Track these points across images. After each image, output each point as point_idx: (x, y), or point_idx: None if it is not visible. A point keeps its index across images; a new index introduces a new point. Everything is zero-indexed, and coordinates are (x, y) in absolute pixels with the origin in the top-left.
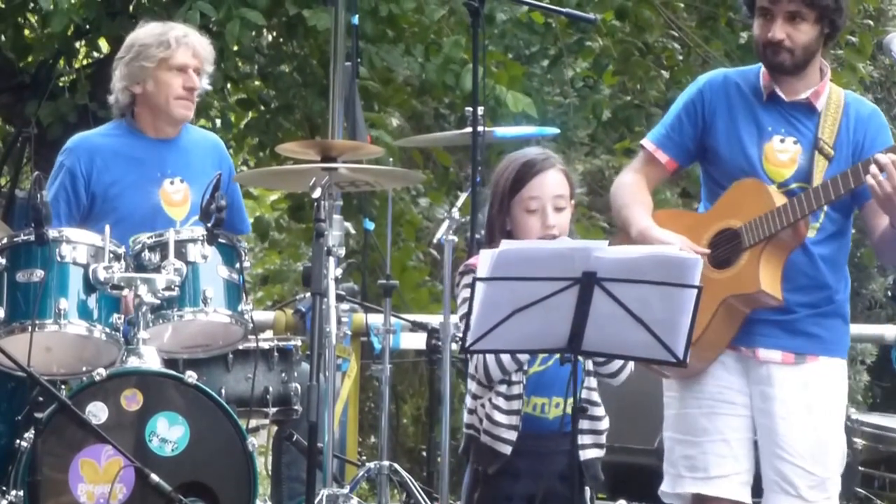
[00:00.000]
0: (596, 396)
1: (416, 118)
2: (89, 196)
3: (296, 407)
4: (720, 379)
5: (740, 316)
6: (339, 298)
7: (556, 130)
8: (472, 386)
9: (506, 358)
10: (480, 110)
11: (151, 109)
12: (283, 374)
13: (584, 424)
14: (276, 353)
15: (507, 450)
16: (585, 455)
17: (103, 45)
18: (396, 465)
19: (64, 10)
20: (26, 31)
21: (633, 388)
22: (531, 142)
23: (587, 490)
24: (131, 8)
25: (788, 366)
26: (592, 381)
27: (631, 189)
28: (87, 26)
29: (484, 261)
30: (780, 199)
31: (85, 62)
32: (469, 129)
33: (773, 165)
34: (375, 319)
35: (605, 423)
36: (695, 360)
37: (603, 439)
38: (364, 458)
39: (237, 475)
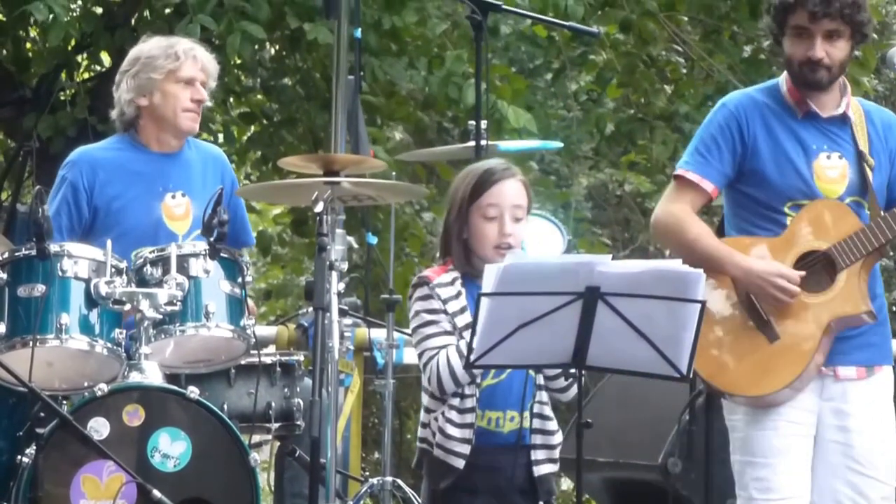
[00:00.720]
0: (548, 410)
1: (419, 132)
2: (91, 210)
3: (298, 422)
4: (794, 399)
5: (832, 338)
6: (342, 313)
7: (559, 144)
8: (425, 399)
9: (459, 370)
10: (483, 124)
11: (157, 122)
12: (286, 390)
13: (536, 439)
14: (278, 368)
15: (460, 463)
16: (539, 470)
17: (105, 58)
18: (399, 481)
19: (62, 23)
20: (28, 45)
21: (638, 405)
22: (535, 155)
23: None
24: (133, 21)
25: (861, 380)
26: (544, 395)
27: (690, 221)
28: (88, 39)
29: (489, 276)
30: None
31: (86, 76)
32: (472, 143)
33: (825, 183)
34: (378, 334)
35: (557, 438)
36: (792, 391)
37: (556, 454)
38: (367, 473)
39: (239, 491)
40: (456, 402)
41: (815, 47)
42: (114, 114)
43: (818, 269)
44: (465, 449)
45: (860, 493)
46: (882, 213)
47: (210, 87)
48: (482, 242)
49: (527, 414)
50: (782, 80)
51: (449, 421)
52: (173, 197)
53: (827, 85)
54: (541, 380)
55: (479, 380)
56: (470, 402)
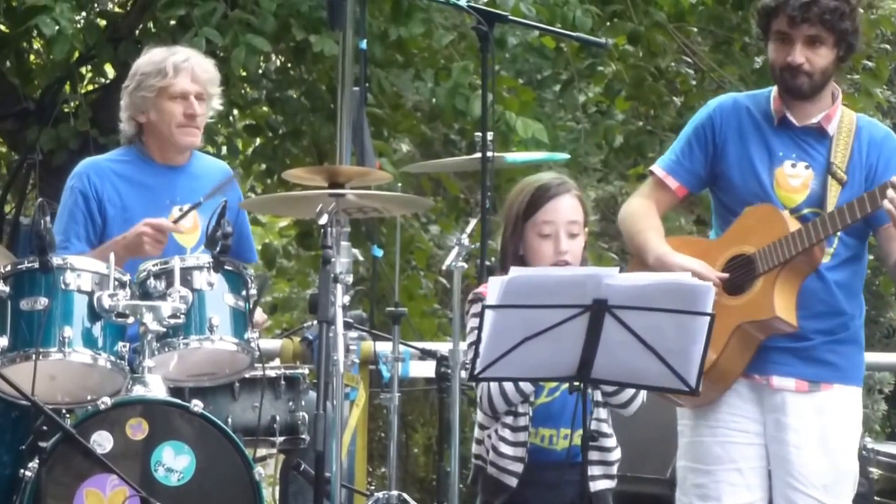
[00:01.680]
0: (606, 427)
1: (425, 144)
2: (102, 218)
3: (303, 436)
4: (734, 407)
5: (754, 343)
6: (347, 326)
7: (566, 156)
8: (479, 416)
9: (510, 389)
10: (490, 136)
11: (157, 138)
12: (291, 403)
13: (593, 455)
14: (283, 382)
15: (513, 482)
16: (595, 486)
17: (108, 70)
18: (405, 495)
19: (68, 36)
20: (31, 57)
21: (646, 418)
22: (543, 167)
23: None
24: (137, 33)
25: (802, 394)
26: (602, 412)
27: (642, 215)
28: (91, 52)
29: (493, 288)
30: (793, 225)
31: (89, 88)
32: (479, 155)
33: (785, 191)
34: (384, 347)
35: (615, 454)
36: (708, 389)
37: (614, 470)
38: (373, 487)
39: None
40: (509, 420)
41: (795, 52)
42: (121, 127)
43: (749, 273)
44: (518, 467)
45: None
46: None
47: (211, 94)
48: (538, 259)
49: (581, 431)
50: (774, 87)
51: (502, 439)
52: (180, 210)
53: (809, 92)
54: (598, 396)
55: (532, 398)
56: (523, 421)
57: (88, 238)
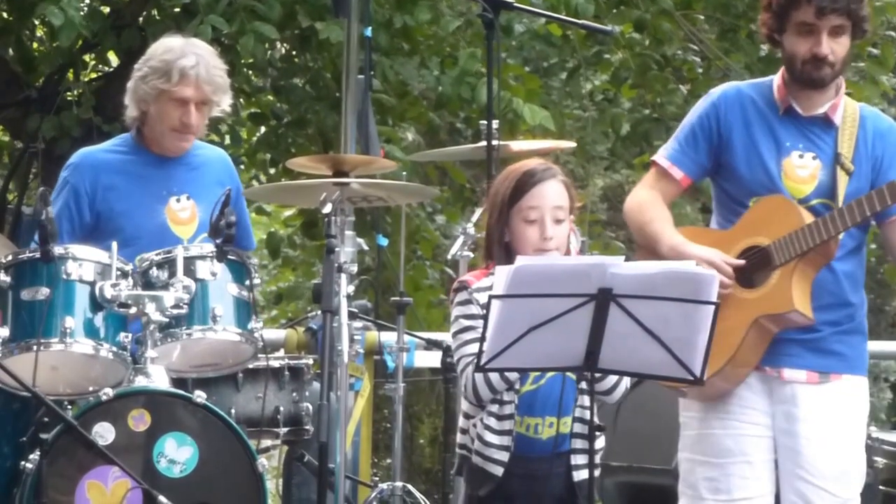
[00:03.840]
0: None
1: (431, 133)
2: (93, 214)
3: (307, 427)
4: (744, 399)
5: (769, 336)
6: (352, 316)
7: (572, 144)
8: (464, 405)
9: (494, 377)
10: (495, 124)
11: (153, 132)
12: (295, 394)
13: (577, 444)
14: (286, 372)
15: (499, 471)
16: (579, 475)
17: (112, 58)
18: (410, 487)
19: (75, 24)
20: (34, 45)
21: (651, 408)
22: (549, 156)
23: None
24: (141, 21)
25: (813, 385)
26: (586, 400)
27: (651, 205)
28: (94, 39)
29: (500, 278)
30: (808, 217)
31: (92, 76)
32: (484, 143)
33: (793, 181)
34: (389, 337)
35: (600, 443)
36: (723, 382)
37: (597, 458)
38: (378, 479)
39: (247, 497)
40: (494, 408)
41: (822, 44)
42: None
43: (763, 265)
44: (504, 456)
45: (807, 501)
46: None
47: (216, 102)
48: (523, 245)
49: (567, 420)
50: (777, 76)
51: (487, 428)
52: (178, 201)
53: (829, 82)
54: (583, 384)
55: (517, 386)
56: (508, 409)
57: (73, 233)
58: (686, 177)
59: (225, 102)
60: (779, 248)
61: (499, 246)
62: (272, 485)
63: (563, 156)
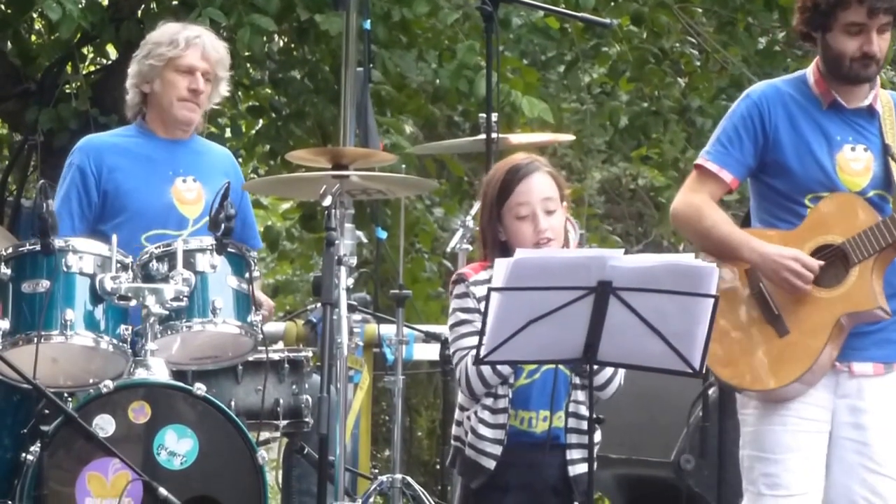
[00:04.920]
0: (584, 409)
1: (429, 126)
2: (100, 194)
3: (307, 419)
4: (806, 395)
5: (845, 333)
6: (351, 309)
7: (571, 137)
8: (459, 397)
9: (487, 372)
10: (494, 117)
11: (158, 111)
12: (294, 386)
13: (573, 438)
14: (286, 365)
15: (492, 464)
16: (575, 470)
17: (111, 51)
18: (409, 479)
19: (74, 17)
20: (33, 37)
21: (651, 402)
22: (547, 149)
23: None
24: (139, 13)
25: (878, 377)
26: (581, 395)
27: (709, 209)
28: (93, 32)
29: (499, 271)
30: (877, 213)
31: (91, 68)
32: (483, 136)
33: (849, 175)
34: (388, 330)
35: (596, 437)
36: (803, 385)
37: (594, 452)
38: (377, 471)
39: (247, 489)
40: (489, 401)
41: (873, 43)
42: (126, 97)
43: (833, 263)
44: (497, 449)
45: (876, 493)
46: None
47: (220, 76)
48: (520, 242)
49: (560, 414)
50: (809, 71)
51: (481, 421)
52: (184, 181)
53: (874, 78)
54: (577, 379)
55: (511, 380)
56: (502, 403)
57: (83, 215)
58: (735, 179)
59: (223, 86)
60: (855, 246)
61: (495, 245)
62: (272, 477)
63: (560, 148)
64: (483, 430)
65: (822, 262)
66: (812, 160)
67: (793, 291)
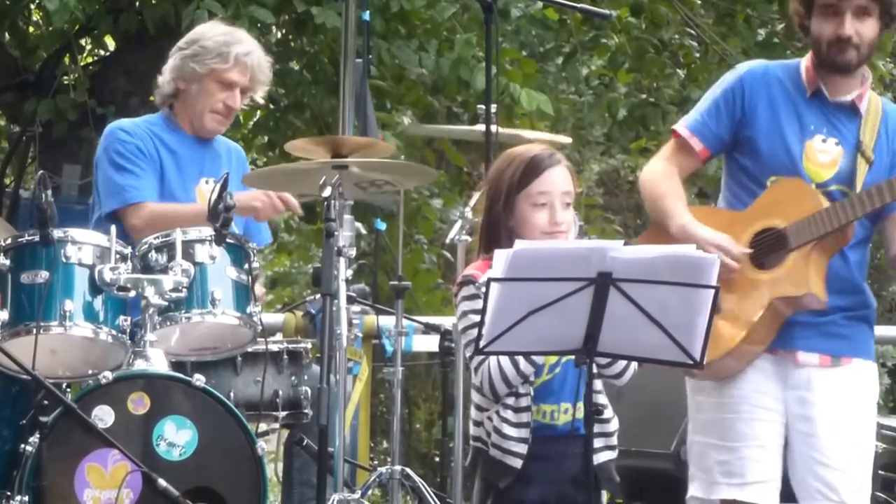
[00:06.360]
0: (602, 398)
1: (428, 117)
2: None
3: (306, 411)
4: (758, 384)
5: (781, 318)
6: (350, 300)
7: (568, 140)
8: (476, 398)
9: (510, 372)
10: (493, 108)
11: (188, 111)
12: (293, 378)
13: (594, 427)
14: (285, 356)
15: (518, 463)
16: (598, 458)
17: (109, 42)
18: (408, 470)
19: (68, 6)
20: (31, 29)
21: (651, 393)
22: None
23: (603, 494)
24: (137, 4)
25: (825, 369)
26: (597, 383)
27: (666, 179)
28: (91, 23)
29: (498, 261)
30: (825, 201)
31: (89, 59)
32: (482, 127)
33: (814, 165)
34: (387, 321)
35: (614, 424)
36: (735, 361)
37: (614, 440)
38: (376, 462)
39: (246, 480)
40: (511, 401)
41: (845, 24)
42: (159, 80)
43: (778, 247)
44: (523, 448)
45: (830, 486)
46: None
47: (256, 93)
48: (531, 230)
49: (580, 404)
50: (804, 59)
51: (505, 421)
52: (206, 182)
53: (856, 66)
54: (594, 368)
55: (532, 378)
56: (525, 401)
57: (161, 190)
58: (705, 149)
59: (259, 95)
60: (795, 232)
61: (506, 231)
62: (271, 468)
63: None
64: (508, 430)
65: (747, 250)
66: (780, 143)
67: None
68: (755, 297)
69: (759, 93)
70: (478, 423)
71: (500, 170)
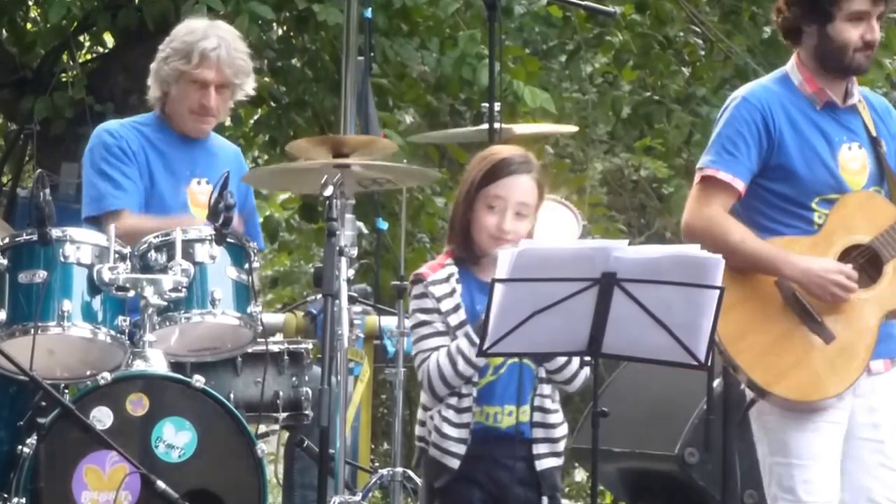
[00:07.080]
0: (550, 403)
1: (431, 115)
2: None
3: (307, 412)
4: (837, 398)
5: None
6: (352, 300)
7: (574, 128)
8: (422, 397)
9: (449, 373)
10: (497, 106)
11: (174, 113)
12: (294, 378)
13: (538, 433)
14: (286, 357)
15: (455, 464)
16: (542, 465)
17: (108, 39)
18: (410, 472)
19: (65, 1)
20: (28, 25)
21: (655, 395)
22: (549, 139)
23: (545, 500)
24: (136, 1)
25: (885, 373)
26: (546, 388)
27: (731, 222)
28: (89, 20)
29: (503, 261)
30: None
31: (87, 57)
32: (485, 126)
33: (850, 175)
34: (389, 322)
35: (561, 431)
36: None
37: (560, 447)
38: (377, 464)
39: (246, 482)
40: (453, 401)
41: (874, 30)
42: (148, 82)
43: (868, 263)
44: (461, 449)
45: (893, 488)
46: None
47: (238, 85)
48: (479, 230)
49: (525, 408)
50: (791, 69)
51: (445, 420)
52: (199, 183)
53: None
54: (542, 373)
55: (475, 378)
56: (467, 402)
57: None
58: (746, 186)
59: (248, 86)
60: (883, 244)
61: (460, 226)
62: (271, 470)
63: (562, 139)
64: (447, 430)
65: (855, 270)
66: (819, 162)
67: (836, 302)
68: (863, 317)
69: (779, 115)
70: (422, 423)
71: (473, 164)
